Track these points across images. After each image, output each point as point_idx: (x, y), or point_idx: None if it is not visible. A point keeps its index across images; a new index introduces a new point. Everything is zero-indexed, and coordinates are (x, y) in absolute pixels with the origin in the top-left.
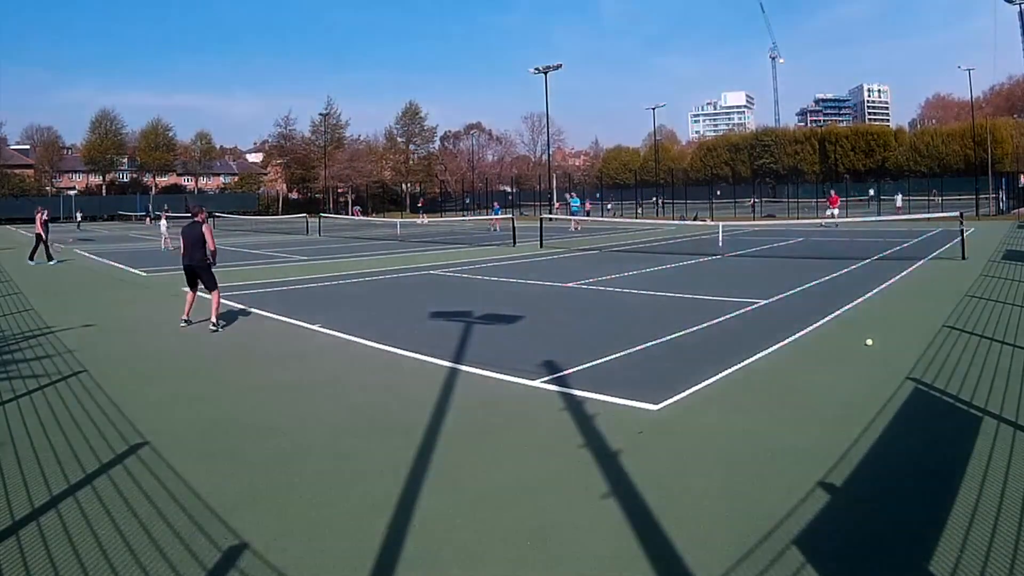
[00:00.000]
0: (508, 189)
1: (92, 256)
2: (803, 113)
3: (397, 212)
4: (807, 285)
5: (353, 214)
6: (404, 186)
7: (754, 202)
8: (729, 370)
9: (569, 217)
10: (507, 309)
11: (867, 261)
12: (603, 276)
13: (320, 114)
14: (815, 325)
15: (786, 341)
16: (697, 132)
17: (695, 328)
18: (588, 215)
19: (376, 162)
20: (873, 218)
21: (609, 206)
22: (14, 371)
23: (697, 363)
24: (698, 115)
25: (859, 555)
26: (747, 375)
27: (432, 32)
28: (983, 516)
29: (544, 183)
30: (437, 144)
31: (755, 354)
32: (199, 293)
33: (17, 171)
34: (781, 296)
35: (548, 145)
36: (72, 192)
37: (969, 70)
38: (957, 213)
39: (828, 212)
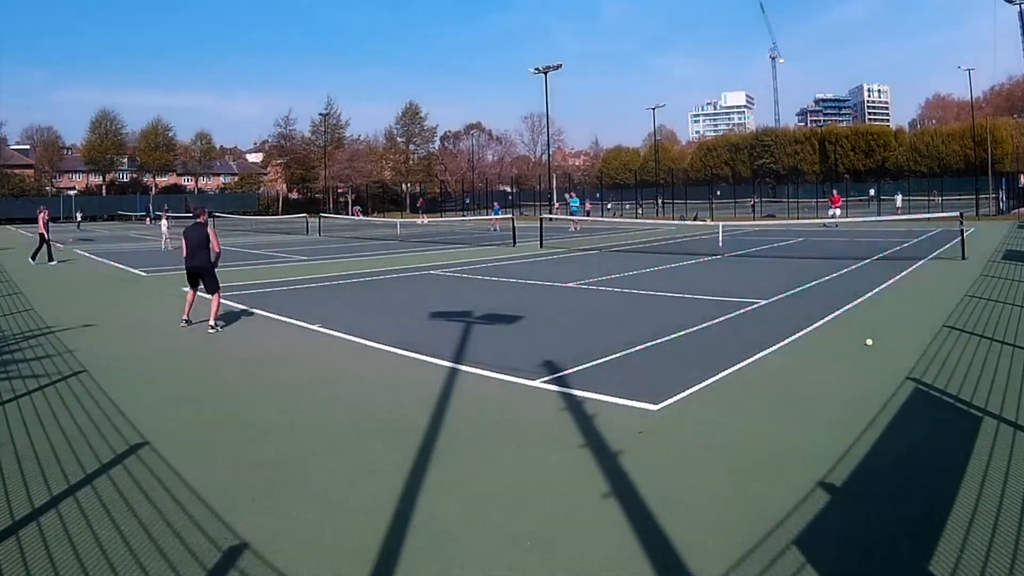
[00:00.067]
0: (508, 189)
1: (92, 256)
2: (803, 113)
3: (397, 212)
4: (807, 285)
5: (353, 214)
6: (404, 186)
7: (754, 202)
8: (729, 370)
9: (569, 217)
10: (507, 309)
11: (867, 261)
12: (603, 276)
13: (320, 114)
14: (815, 325)
15: (786, 341)
16: (697, 132)
17: (695, 328)
18: (588, 215)
19: (376, 162)
20: (873, 218)
21: (609, 206)
22: (14, 371)
23: (697, 363)
24: (698, 115)
25: (859, 555)
26: (747, 375)
27: (432, 32)
28: (983, 516)
29: (544, 183)
30: (437, 144)
31: (755, 354)
32: (198, 293)
33: (17, 171)
34: (781, 296)
35: (548, 145)
36: (72, 192)
37: (969, 70)
38: (957, 213)
39: (830, 212)
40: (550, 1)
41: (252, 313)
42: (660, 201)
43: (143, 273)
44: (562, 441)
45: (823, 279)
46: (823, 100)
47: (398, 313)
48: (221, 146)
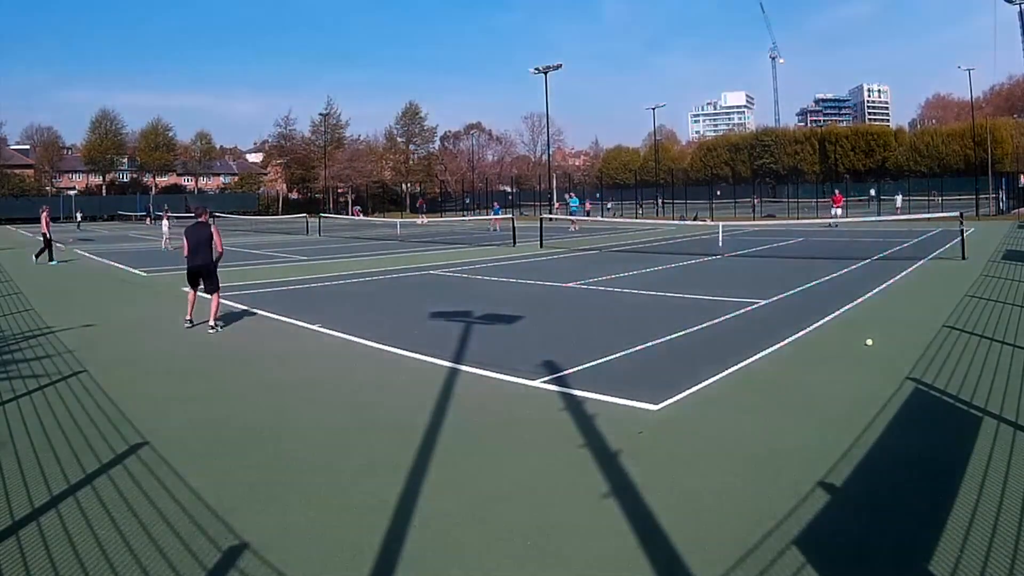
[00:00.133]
0: (508, 189)
1: (92, 256)
2: (803, 113)
3: (397, 212)
4: (807, 285)
5: (353, 214)
6: (404, 186)
7: (754, 202)
8: (729, 370)
9: (568, 217)
10: (507, 309)
11: (867, 261)
12: (603, 276)
13: (320, 114)
14: (815, 325)
15: (786, 341)
16: (697, 132)
17: (695, 328)
18: (588, 215)
19: (376, 162)
20: (873, 218)
21: (609, 206)
22: (14, 371)
23: (697, 363)
24: (698, 115)
25: (859, 555)
26: (747, 375)
27: (432, 32)
28: (983, 516)
29: (544, 183)
30: (437, 144)
31: (755, 354)
32: (198, 293)
33: (17, 171)
34: (781, 296)
35: (548, 145)
36: (72, 192)
37: (969, 70)
38: (957, 213)
39: (833, 211)
40: (550, 1)
41: (252, 313)
42: (660, 201)
43: (143, 273)
44: (562, 441)
45: (823, 279)
46: (823, 100)
47: (398, 313)
48: (221, 146)
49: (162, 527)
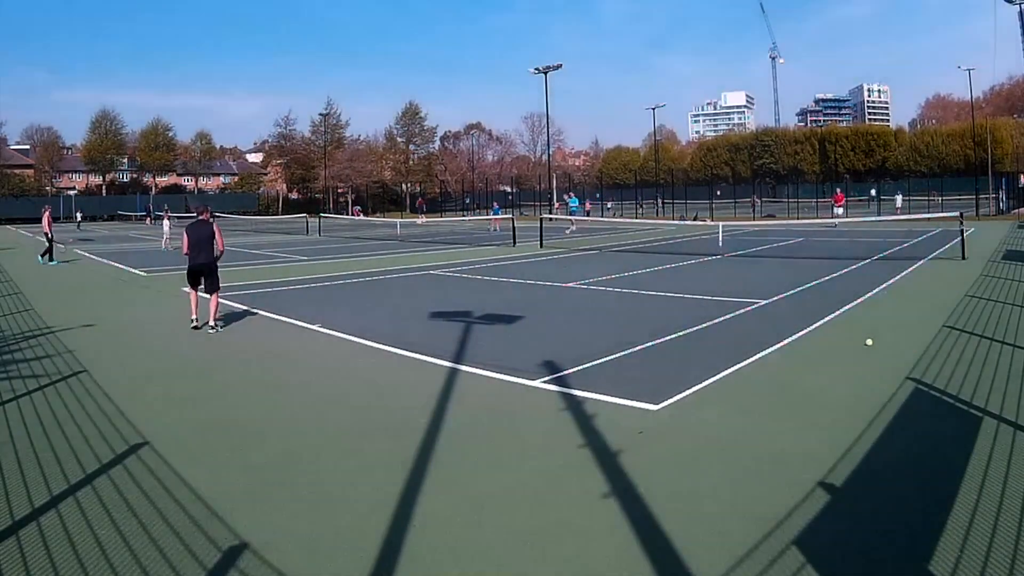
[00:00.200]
0: (508, 189)
1: (92, 256)
2: (803, 113)
3: (397, 212)
4: (807, 285)
5: (353, 214)
6: (404, 186)
7: (754, 202)
8: (729, 370)
9: (568, 217)
10: (507, 309)
11: (867, 261)
12: (603, 276)
13: (320, 114)
14: (815, 325)
15: (786, 341)
16: (697, 132)
17: (695, 328)
18: (588, 215)
19: (376, 162)
20: (873, 218)
21: (609, 206)
22: (14, 371)
23: (697, 363)
24: (698, 115)
25: (859, 555)
26: (747, 375)
27: (432, 32)
28: (983, 516)
29: (544, 183)
30: (437, 144)
31: (755, 354)
32: (199, 294)
33: (17, 171)
34: (781, 296)
35: (548, 145)
36: (72, 192)
37: (969, 70)
38: (957, 213)
39: (835, 211)
40: (550, 1)
41: (252, 313)
42: (660, 201)
43: (143, 273)
44: (562, 441)
45: (823, 279)
46: (823, 100)
47: (398, 313)
48: (221, 146)
49: (162, 527)
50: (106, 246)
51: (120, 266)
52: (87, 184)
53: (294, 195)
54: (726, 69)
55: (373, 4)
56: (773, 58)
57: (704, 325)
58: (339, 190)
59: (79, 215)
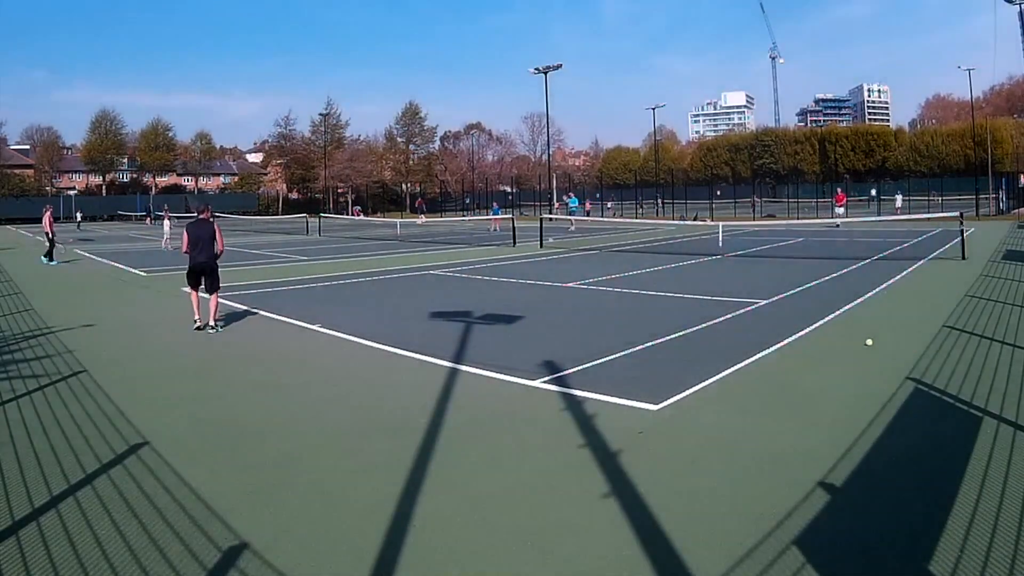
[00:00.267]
0: (508, 189)
1: (92, 256)
2: (803, 113)
3: (397, 212)
4: (807, 285)
5: (353, 214)
6: (404, 186)
7: (754, 202)
8: (729, 370)
9: (568, 217)
10: (507, 309)
11: (867, 261)
12: (603, 276)
13: (320, 114)
14: (815, 325)
15: (786, 341)
16: (697, 132)
17: (695, 328)
18: (588, 215)
19: (376, 162)
20: (873, 218)
21: (609, 206)
22: (14, 371)
23: (697, 363)
24: (698, 115)
25: (859, 555)
26: (747, 375)
27: (432, 32)
28: (983, 516)
29: (544, 183)
30: (437, 144)
31: (755, 354)
32: (199, 294)
33: (17, 171)
34: (781, 296)
35: (548, 145)
36: (72, 192)
37: (969, 70)
38: (957, 213)
39: (837, 211)
40: (550, 1)
41: (252, 313)
42: (660, 201)
43: (143, 273)
44: (562, 441)
45: (823, 279)
46: (823, 100)
47: (398, 313)
48: (221, 146)
49: (162, 527)
50: (106, 246)
51: (120, 266)
52: (87, 184)
53: (294, 195)
54: (726, 69)
55: (373, 4)
56: (773, 58)
57: (704, 325)
58: (339, 190)
59: (79, 215)
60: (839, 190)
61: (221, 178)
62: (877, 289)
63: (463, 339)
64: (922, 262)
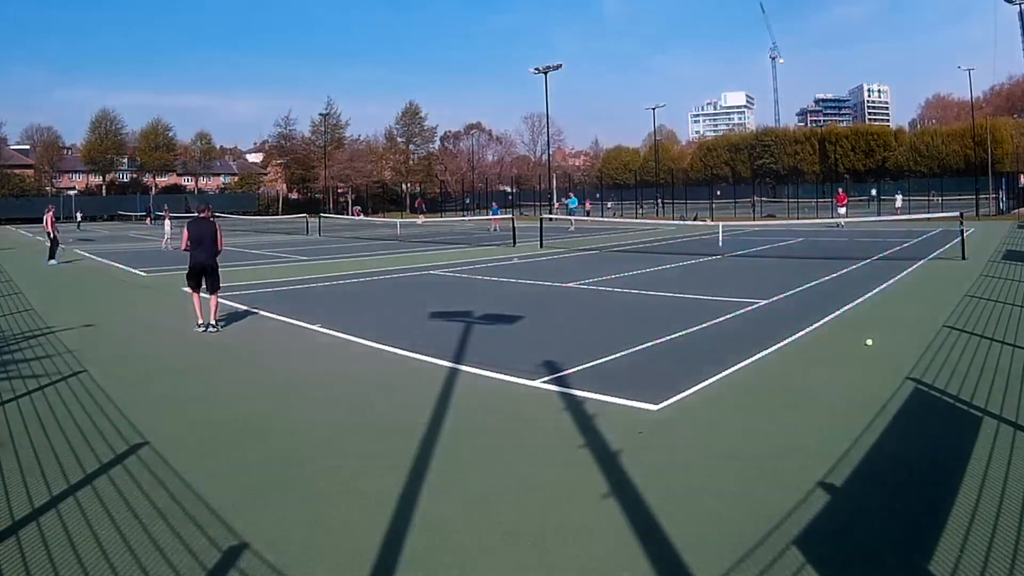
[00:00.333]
0: (508, 189)
1: (92, 256)
2: (803, 113)
3: (397, 212)
4: (807, 285)
5: (353, 214)
6: (404, 186)
7: (754, 202)
8: (729, 370)
9: (568, 217)
10: (507, 309)
11: (867, 261)
12: (603, 276)
13: (320, 114)
14: (815, 325)
15: (786, 341)
16: (697, 132)
17: (695, 328)
18: (588, 215)
19: (376, 162)
20: (873, 218)
21: (609, 206)
22: (14, 371)
23: (697, 363)
24: (698, 115)
25: (859, 555)
26: (747, 375)
27: (432, 32)
28: (983, 516)
29: (544, 183)
30: (437, 144)
31: (755, 354)
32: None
33: (17, 171)
34: (781, 296)
35: (548, 145)
36: (72, 192)
37: (969, 70)
38: (957, 213)
39: (838, 211)
40: (550, 1)
41: (252, 313)
42: (660, 201)
43: (143, 273)
44: (562, 441)
45: (823, 279)
46: (823, 100)
47: (398, 313)
48: (221, 146)
49: (162, 527)
50: (106, 246)
51: (120, 266)
52: (87, 184)
53: (294, 195)
54: (726, 69)
55: (373, 4)
56: (773, 58)
57: (704, 325)
58: (339, 190)
59: (79, 215)
60: (840, 190)
61: (221, 178)
62: (877, 289)
63: (463, 339)
64: (922, 262)
